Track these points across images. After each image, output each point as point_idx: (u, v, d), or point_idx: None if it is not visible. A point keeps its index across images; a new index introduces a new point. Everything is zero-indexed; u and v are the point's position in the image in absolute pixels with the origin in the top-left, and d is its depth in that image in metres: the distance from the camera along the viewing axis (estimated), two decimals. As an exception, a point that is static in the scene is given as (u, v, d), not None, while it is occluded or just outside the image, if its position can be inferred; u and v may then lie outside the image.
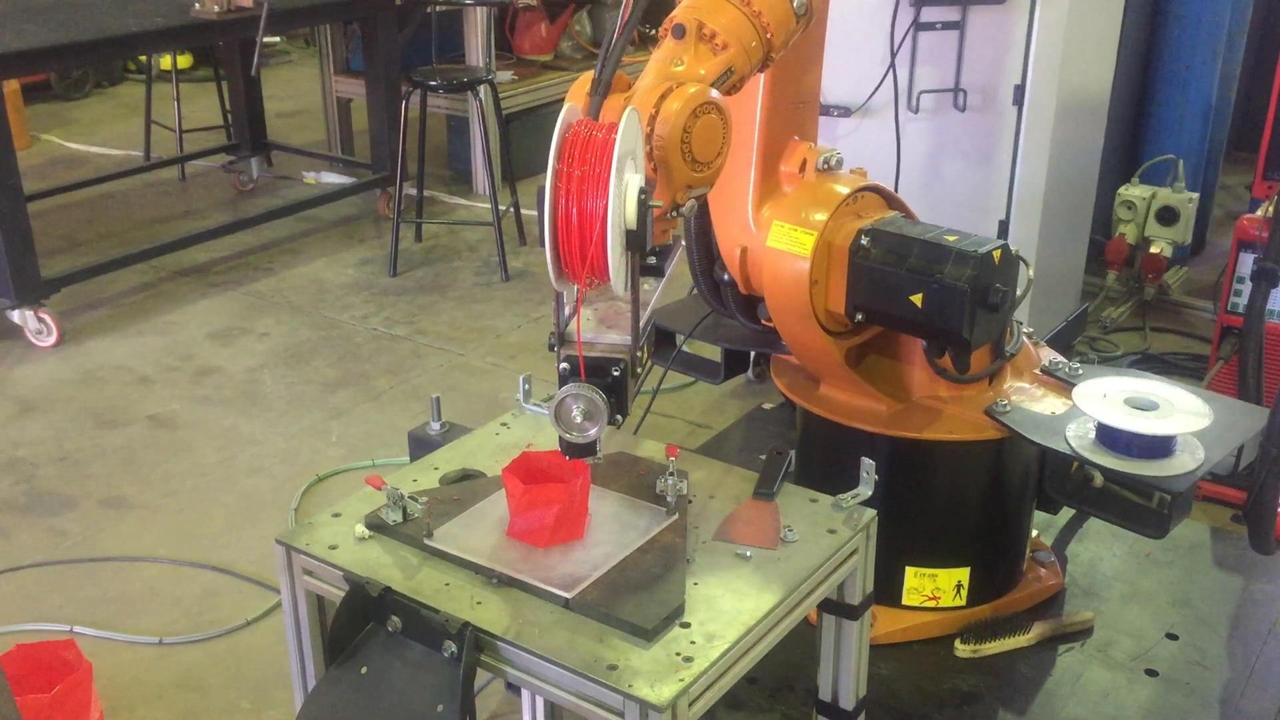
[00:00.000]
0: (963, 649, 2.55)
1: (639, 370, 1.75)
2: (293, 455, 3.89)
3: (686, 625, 1.60)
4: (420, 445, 3.14)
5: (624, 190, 1.61)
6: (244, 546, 3.40)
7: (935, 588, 2.61)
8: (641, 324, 1.74)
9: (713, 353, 3.13)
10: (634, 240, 1.63)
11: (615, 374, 1.67)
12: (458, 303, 5.03)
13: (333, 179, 6.38)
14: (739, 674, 1.61)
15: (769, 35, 2.07)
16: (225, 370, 4.46)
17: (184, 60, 8.23)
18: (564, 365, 1.68)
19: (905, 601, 2.62)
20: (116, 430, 4.05)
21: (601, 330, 1.73)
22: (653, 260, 1.89)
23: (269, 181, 6.44)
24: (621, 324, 1.72)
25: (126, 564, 3.36)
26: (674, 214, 1.87)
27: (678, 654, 1.54)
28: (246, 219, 5.60)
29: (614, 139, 1.58)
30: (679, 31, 1.97)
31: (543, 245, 1.59)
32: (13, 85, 6.95)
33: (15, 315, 4.59)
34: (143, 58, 7.60)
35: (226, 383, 4.37)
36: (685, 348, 3.09)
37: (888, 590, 2.56)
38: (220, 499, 3.66)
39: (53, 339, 4.62)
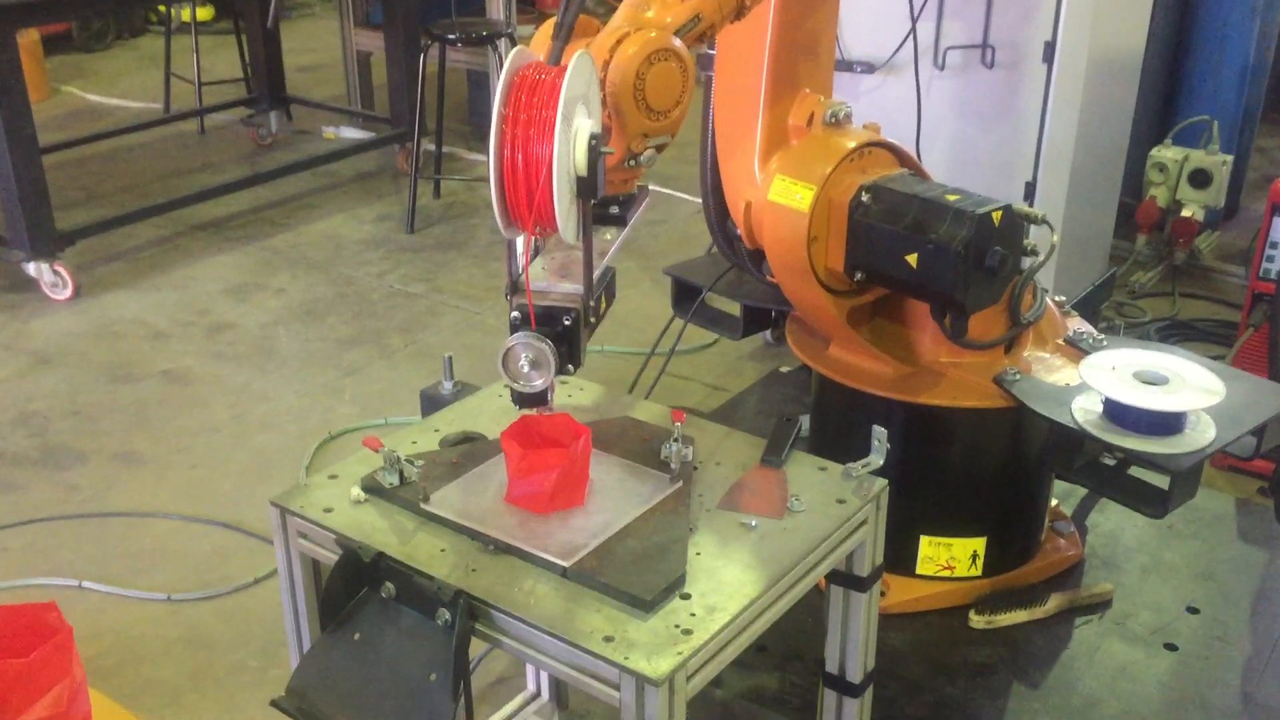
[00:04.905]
0: (977, 620, 2.49)
1: (592, 320, 1.71)
2: (305, 413, 3.86)
3: (687, 596, 1.55)
4: (432, 404, 3.10)
5: (573, 136, 1.56)
6: (254, 504, 3.38)
7: (950, 557, 2.55)
8: (598, 274, 1.70)
9: (734, 308, 3.08)
10: (584, 188, 1.59)
11: (566, 323, 1.64)
12: (475, 260, 4.98)
13: (352, 134, 6.32)
14: (740, 647, 1.56)
15: None
16: (240, 326, 4.44)
17: (205, 12, 8.17)
18: (515, 314, 1.65)
19: (919, 570, 2.56)
20: (130, 385, 4.03)
21: (556, 280, 1.69)
22: (614, 210, 1.85)
23: (288, 136, 6.39)
24: (578, 273, 1.68)
25: (137, 520, 3.35)
26: (631, 163, 1.82)
27: (676, 626, 1.50)
28: (264, 173, 5.57)
29: (562, 83, 1.52)
30: None
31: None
32: (33, 36, 6.93)
33: (31, 268, 4.58)
34: (162, 8, 7.54)
35: (241, 338, 4.34)
36: (706, 302, 3.04)
37: (901, 559, 2.51)
38: (232, 456, 3.64)
39: (68, 292, 4.61)
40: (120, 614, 2.98)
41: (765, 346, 4.13)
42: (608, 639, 1.47)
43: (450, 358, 2.55)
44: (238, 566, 3.14)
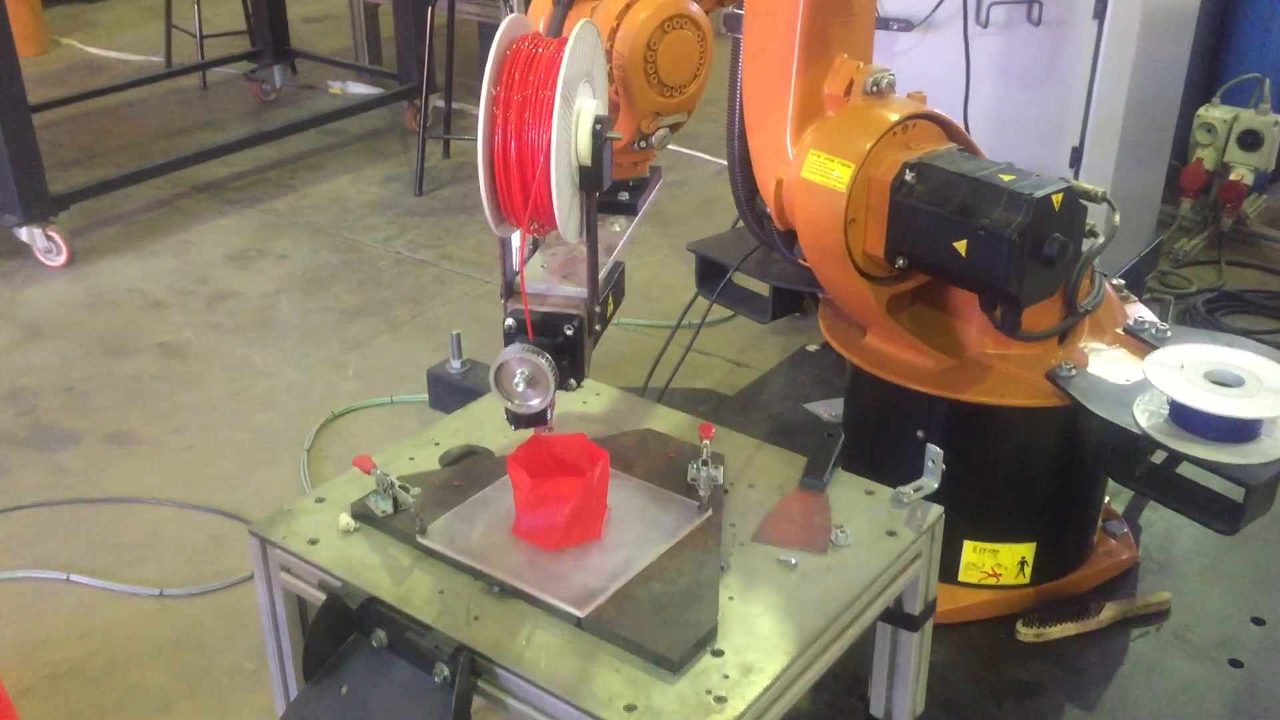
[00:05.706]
0: (1025, 632, 2.31)
1: (598, 328, 1.50)
2: (308, 389, 3.67)
3: (719, 653, 1.36)
4: (439, 384, 2.93)
5: (574, 120, 1.35)
6: (254, 489, 3.21)
7: (996, 564, 2.36)
8: (604, 273, 1.49)
9: (762, 288, 2.88)
10: (588, 179, 1.39)
11: (568, 333, 1.43)
12: (485, 226, 4.72)
13: (359, 89, 6.09)
14: (782, 711, 1.37)
15: None
16: (241, 295, 4.24)
17: (208, -40, 7.90)
18: (510, 322, 1.44)
19: (962, 578, 2.37)
20: (125, 359, 3.85)
21: (557, 280, 1.48)
22: (624, 196, 1.64)
23: (293, 91, 6.17)
24: (582, 272, 1.46)
25: (130, 506, 3.17)
26: (642, 144, 1.60)
27: (708, 692, 1.31)
28: (268, 131, 5.34)
29: (561, 57, 1.31)
30: None
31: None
32: (30, -14, 6.70)
33: (23, 233, 4.38)
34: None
35: (241, 308, 4.15)
36: (733, 281, 2.85)
37: (944, 565, 2.27)
38: (230, 436, 3.46)
39: (62, 258, 4.41)
40: (109, 610, 2.81)
41: (792, 319, 3.91)
42: (629, 708, 1.28)
43: (458, 335, 2.38)
44: (234, 558, 2.96)
